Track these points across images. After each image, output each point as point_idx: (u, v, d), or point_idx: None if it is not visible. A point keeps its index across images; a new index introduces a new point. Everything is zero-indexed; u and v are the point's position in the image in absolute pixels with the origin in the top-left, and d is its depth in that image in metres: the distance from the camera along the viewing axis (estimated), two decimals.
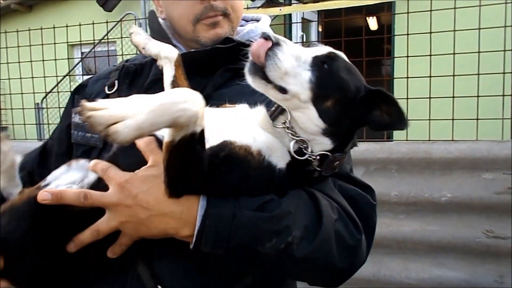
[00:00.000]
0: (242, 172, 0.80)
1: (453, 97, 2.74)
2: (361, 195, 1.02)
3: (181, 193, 0.80)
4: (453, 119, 2.73)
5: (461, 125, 2.74)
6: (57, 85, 5.95)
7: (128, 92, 1.07)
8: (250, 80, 0.83)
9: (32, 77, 4.55)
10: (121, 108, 0.66)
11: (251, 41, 1.03)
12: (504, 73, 2.68)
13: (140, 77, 1.13)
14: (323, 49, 0.87)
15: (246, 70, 0.83)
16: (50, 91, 5.90)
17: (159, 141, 0.84)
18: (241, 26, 1.22)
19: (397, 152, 2.79)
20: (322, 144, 0.85)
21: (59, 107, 5.42)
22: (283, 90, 0.81)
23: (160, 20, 1.18)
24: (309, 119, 0.83)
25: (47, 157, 1.21)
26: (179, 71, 1.01)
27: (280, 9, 3.28)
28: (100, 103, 0.67)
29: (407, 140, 2.84)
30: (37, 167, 1.19)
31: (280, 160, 0.84)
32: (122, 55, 4.97)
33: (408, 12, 2.74)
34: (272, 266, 0.84)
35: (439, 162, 2.71)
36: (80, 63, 7.08)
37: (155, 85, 1.06)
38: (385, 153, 2.81)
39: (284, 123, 0.85)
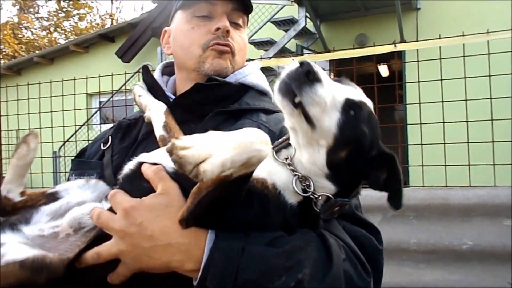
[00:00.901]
0: (261, 206, 0.77)
1: (468, 142, 2.73)
2: (366, 236, 0.96)
3: (194, 225, 0.76)
4: (469, 165, 2.70)
5: (478, 170, 2.70)
6: (75, 133, 6.09)
7: (120, 145, 1.11)
8: (279, 99, 0.77)
9: (52, 127, 4.69)
10: (205, 146, 0.65)
11: (241, 83, 1.12)
12: None
13: (133, 130, 1.15)
14: (355, 92, 0.83)
15: (277, 88, 0.78)
16: (68, 140, 6.03)
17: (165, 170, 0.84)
18: None
19: (414, 198, 2.76)
20: (325, 188, 0.81)
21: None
22: (310, 121, 0.76)
23: (155, 74, 1.22)
24: (314, 161, 0.80)
25: None
26: (169, 118, 1.05)
27: (293, 59, 3.38)
28: (186, 140, 0.65)
29: (423, 186, 2.80)
30: None
31: (291, 196, 0.80)
32: (135, 104, 5.09)
33: (418, 61, 2.80)
34: None
35: (458, 208, 2.68)
36: (98, 112, 7.28)
37: (148, 137, 1.08)
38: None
39: (286, 158, 0.82)
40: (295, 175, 0.81)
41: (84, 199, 0.92)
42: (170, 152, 0.64)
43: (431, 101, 2.98)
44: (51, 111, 4.74)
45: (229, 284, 0.73)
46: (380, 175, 0.83)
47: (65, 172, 5.49)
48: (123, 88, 6.01)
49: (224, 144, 0.65)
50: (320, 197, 0.80)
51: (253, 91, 1.15)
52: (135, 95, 1.14)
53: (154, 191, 0.82)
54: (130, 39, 7.83)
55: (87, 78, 4.57)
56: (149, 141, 1.07)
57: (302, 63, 0.74)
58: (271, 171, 0.80)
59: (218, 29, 1.09)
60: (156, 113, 1.06)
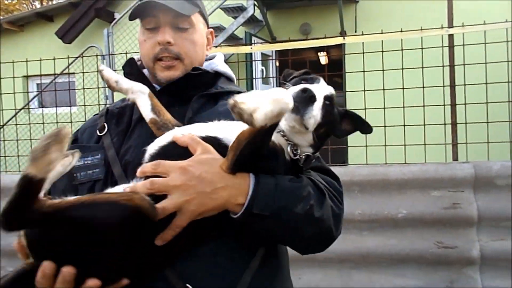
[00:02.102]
0: (275, 157, 1.02)
1: (404, 125, 3.11)
2: (332, 181, 1.20)
3: (240, 170, 0.97)
4: (405, 145, 3.08)
5: (412, 150, 3.10)
6: (13, 116, 5.83)
7: (116, 130, 1.21)
8: (292, 116, 1.00)
9: None
10: (253, 101, 0.84)
11: (215, 71, 1.29)
12: (444, 105, 3.11)
13: (124, 116, 1.24)
14: (324, 85, 1.10)
15: (291, 108, 0.95)
16: (6, 124, 5.77)
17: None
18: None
19: (359, 175, 3.01)
20: (307, 151, 1.08)
21: (16, 139, 5.29)
22: (305, 126, 1.01)
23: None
24: (304, 139, 1.06)
25: None
26: (155, 100, 1.15)
27: (251, 48, 3.59)
28: (241, 98, 0.84)
29: (367, 164, 3.16)
30: None
31: (287, 155, 1.06)
32: (83, 88, 4.99)
33: (363, 52, 3.12)
34: (299, 225, 1.02)
35: (395, 183, 2.96)
36: (33, 97, 6.96)
37: (140, 121, 1.18)
38: (348, 176, 3.00)
39: (279, 132, 1.05)
40: (289, 143, 1.06)
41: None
42: (233, 106, 0.84)
43: (371, 89, 3.33)
44: None
45: (268, 208, 0.96)
46: (345, 127, 1.13)
47: (5, 156, 5.27)
48: (66, 70, 5.84)
49: (265, 99, 0.85)
50: (303, 157, 1.08)
51: (223, 78, 1.35)
52: (110, 80, 1.15)
53: (192, 155, 0.99)
54: (72, 19, 7.51)
55: (27, 61, 4.40)
56: (143, 124, 1.17)
57: (305, 90, 0.98)
58: (275, 136, 1.03)
59: (159, 43, 1.19)
60: (141, 96, 1.15)
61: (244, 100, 0.85)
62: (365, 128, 1.12)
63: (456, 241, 2.89)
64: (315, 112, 1.00)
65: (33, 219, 0.83)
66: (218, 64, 1.35)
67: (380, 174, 3.00)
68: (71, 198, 0.88)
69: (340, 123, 1.12)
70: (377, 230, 2.99)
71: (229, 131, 1.03)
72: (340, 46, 6.34)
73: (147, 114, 1.13)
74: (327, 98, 1.06)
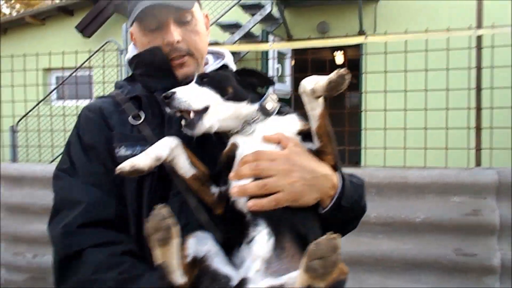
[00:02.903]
0: None
1: (425, 128, 3.04)
2: None
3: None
4: (425, 148, 3.02)
5: (433, 153, 3.03)
6: (35, 107, 5.93)
7: (155, 122, 1.11)
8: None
9: (13, 102, 4.58)
10: (315, 80, 0.95)
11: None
12: (469, 108, 3.02)
13: (155, 108, 1.14)
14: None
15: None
16: (26, 114, 5.86)
17: None
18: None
19: (376, 177, 2.99)
20: (272, 107, 1.07)
21: (38, 130, 5.37)
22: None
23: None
24: (236, 108, 1.02)
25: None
26: (189, 153, 1.01)
27: (270, 45, 3.55)
28: (308, 80, 0.95)
29: (385, 166, 3.10)
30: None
31: None
32: (103, 82, 5.07)
33: (386, 53, 3.06)
34: (359, 216, 1.17)
35: (414, 186, 2.92)
36: (55, 88, 7.05)
37: (172, 118, 1.09)
38: (365, 178, 2.97)
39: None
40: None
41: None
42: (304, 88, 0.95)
43: (390, 90, 3.27)
44: (12, 86, 4.62)
45: (349, 201, 1.03)
46: (251, 80, 1.10)
47: (26, 147, 5.36)
48: (86, 64, 5.91)
49: (322, 77, 0.93)
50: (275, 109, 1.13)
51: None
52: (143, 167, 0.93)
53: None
54: (91, 13, 7.59)
55: (50, 54, 4.46)
56: (175, 121, 1.08)
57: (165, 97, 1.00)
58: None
59: (167, 43, 1.13)
60: (179, 152, 0.99)
61: (311, 80, 0.95)
62: (265, 79, 1.11)
63: (476, 249, 2.82)
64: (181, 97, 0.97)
65: None
66: (229, 61, 1.31)
67: (398, 177, 2.97)
68: None
69: (243, 79, 1.08)
70: (393, 234, 2.96)
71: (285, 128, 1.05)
72: (358, 46, 6.26)
73: (187, 170, 1.00)
74: (199, 76, 1.05)
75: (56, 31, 8.33)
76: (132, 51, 1.24)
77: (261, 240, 0.89)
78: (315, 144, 1.01)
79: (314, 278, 0.72)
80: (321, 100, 0.98)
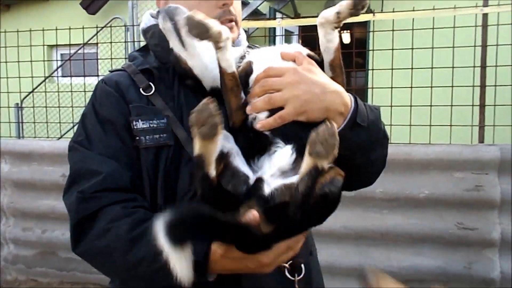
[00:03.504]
0: None
1: (431, 105, 3.08)
2: None
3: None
4: (430, 125, 3.06)
5: (437, 130, 3.08)
6: (42, 83, 5.97)
7: (170, 93, 1.08)
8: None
9: (19, 77, 4.60)
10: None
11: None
12: (473, 86, 3.06)
13: (166, 80, 1.10)
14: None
15: None
16: (32, 91, 5.90)
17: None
18: None
19: None
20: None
21: (46, 106, 5.41)
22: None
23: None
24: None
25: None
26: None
27: (279, 22, 3.57)
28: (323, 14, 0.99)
29: (390, 143, 3.14)
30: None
31: None
32: (111, 58, 5.08)
33: (393, 30, 3.07)
34: (380, 141, 1.06)
35: (418, 163, 2.96)
36: (62, 64, 7.07)
37: (185, 89, 1.07)
38: None
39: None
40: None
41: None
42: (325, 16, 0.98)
43: (396, 67, 3.29)
44: (18, 61, 4.63)
45: (366, 120, 0.97)
46: None
47: (32, 123, 5.41)
48: (92, 41, 5.92)
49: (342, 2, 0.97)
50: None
51: None
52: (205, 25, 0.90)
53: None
54: None
55: (56, 29, 4.47)
56: (190, 92, 1.07)
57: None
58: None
59: (224, 4, 1.09)
60: (227, 46, 0.96)
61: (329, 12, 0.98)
62: None
63: (477, 223, 2.90)
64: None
65: None
66: (244, 41, 1.27)
67: (403, 154, 3.00)
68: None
69: None
70: (398, 209, 3.02)
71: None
72: (364, 25, 6.22)
73: (229, 65, 0.97)
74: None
75: (61, 7, 8.28)
76: (148, 21, 1.19)
77: (284, 154, 0.92)
78: (328, 74, 1.01)
79: (317, 159, 0.83)
80: (337, 32, 0.98)
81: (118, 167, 1.01)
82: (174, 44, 1.00)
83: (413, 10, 3.06)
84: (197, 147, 0.85)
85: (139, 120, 1.03)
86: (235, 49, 1.03)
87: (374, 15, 3.05)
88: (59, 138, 5.19)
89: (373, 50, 3.55)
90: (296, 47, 1.04)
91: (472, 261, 2.92)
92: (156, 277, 0.91)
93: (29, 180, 3.76)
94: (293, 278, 1.00)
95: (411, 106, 3.06)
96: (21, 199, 3.82)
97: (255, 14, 6.50)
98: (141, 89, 1.08)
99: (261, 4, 6.42)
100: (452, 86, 3.06)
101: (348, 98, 0.97)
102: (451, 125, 3.07)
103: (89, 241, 0.96)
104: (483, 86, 3.01)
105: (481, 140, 3.06)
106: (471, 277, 2.92)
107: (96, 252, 0.97)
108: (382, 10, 6.36)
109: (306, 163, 0.83)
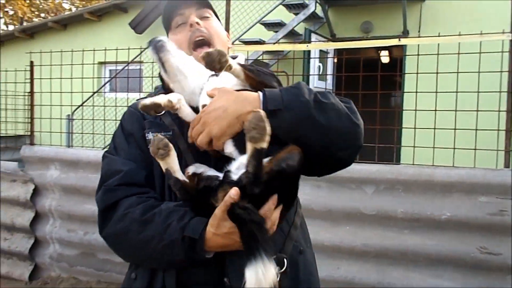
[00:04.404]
0: None
1: (455, 129, 3.11)
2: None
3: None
4: (454, 148, 3.08)
5: (461, 153, 3.09)
6: (91, 97, 6.43)
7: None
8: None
9: (71, 92, 5.01)
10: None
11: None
12: (499, 111, 3.06)
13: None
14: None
15: None
16: (82, 105, 6.37)
17: None
18: None
19: (404, 174, 3.08)
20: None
21: (93, 119, 5.82)
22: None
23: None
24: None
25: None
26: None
27: (307, 46, 3.72)
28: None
29: (413, 164, 3.20)
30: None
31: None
32: (152, 77, 5.42)
33: (418, 54, 3.15)
34: (313, 113, 1.07)
35: (441, 184, 3.00)
36: (108, 81, 7.58)
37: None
38: (393, 175, 3.10)
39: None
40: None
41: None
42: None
43: (427, 91, 3.36)
44: (71, 78, 5.03)
45: (280, 102, 1.06)
46: None
47: (81, 133, 5.83)
48: (137, 59, 6.33)
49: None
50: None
51: None
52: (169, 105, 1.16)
53: None
54: (144, 11, 8.05)
55: (105, 50, 4.82)
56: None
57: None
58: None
59: (191, 25, 1.31)
60: (184, 105, 1.20)
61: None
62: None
63: (501, 248, 2.87)
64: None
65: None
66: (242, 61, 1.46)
67: (426, 175, 3.04)
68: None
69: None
70: (418, 230, 3.05)
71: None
72: (401, 46, 6.27)
73: (190, 117, 1.21)
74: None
75: (111, 27, 8.89)
76: None
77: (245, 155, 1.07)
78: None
79: (255, 142, 0.97)
80: (234, 71, 1.09)
81: (136, 167, 1.25)
82: (161, 71, 1.23)
83: (439, 36, 3.13)
84: (162, 165, 1.11)
85: (150, 132, 1.27)
86: (198, 81, 1.23)
87: (399, 40, 3.15)
88: (103, 148, 5.58)
89: (403, 73, 3.61)
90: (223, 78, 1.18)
91: (492, 286, 2.89)
92: (164, 253, 1.11)
93: (75, 186, 4.08)
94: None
95: (434, 128, 3.10)
96: (67, 202, 4.13)
97: (291, 35, 6.71)
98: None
99: (297, 25, 6.62)
100: (477, 110, 3.08)
101: (256, 95, 1.10)
102: (475, 149, 3.09)
103: (110, 225, 1.20)
104: (509, 111, 3.01)
105: (507, 165, 3.05)
106: None
107: (116, 234, 1.19)
108: (419, 31, 6.42)
109: (248, 148, 1.00)
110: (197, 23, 1.32)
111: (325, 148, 1.09)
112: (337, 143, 1.10)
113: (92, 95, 6.36)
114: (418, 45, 3.25)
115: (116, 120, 5.12)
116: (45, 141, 5.59)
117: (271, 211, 1.05)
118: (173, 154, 1.12)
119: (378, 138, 3.39)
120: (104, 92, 7.44)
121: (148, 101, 1.13)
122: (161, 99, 1.14)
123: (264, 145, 0.98)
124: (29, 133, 4.86)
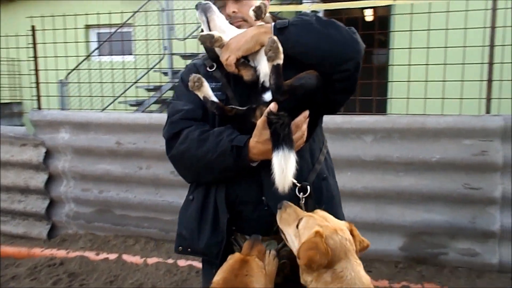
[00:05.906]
0: None
1: (444, 81, 3.44)
2: None
3: None
4: (443, 98, 3.43)
5: (449, 103, 3.44)
6: (84, 60, 6.44)
7: (224, 70, 1.49)
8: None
9: (66, 56, 5.04)
10: None
11: None
12: (482, 63, 3.40)
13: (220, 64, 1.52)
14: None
15: None
16: (75, 68, 6.40)
17: None
18: None
19: (399, 123, 3.38)
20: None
21: (90, 82, 5.87)
22: None
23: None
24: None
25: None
26: None
27: (310, 6, 3.92)
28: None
29: (407, 114, 3.52)
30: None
31: None
32: (146, 39, 5.48)
33: (411, 13, 3.42)
34: (315, 26, 1.31)
35: (431, 131, 3.28)
36: (98, 45, 7.53)
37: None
38: (390, 124, 3.39)
39: None
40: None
41: None
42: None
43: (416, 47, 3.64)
44: (65, 42, 5.03)
45: (286, 23, 1.34)
46: None
47: (76, 96, 5.88)
48: (129, 22, 6.34)
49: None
50: None
51: None
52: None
53: None
54: None
55: (98, 14, 4.79)
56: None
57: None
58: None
59: (233, 12, 1.50)
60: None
61: None
62: None
63: (481, 184, 3.25)
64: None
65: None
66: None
67: (418, 123, 3.35)
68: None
69: None
70: (412, 172, 3.39)
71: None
72: (387, 6, 6.45)
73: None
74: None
75: None
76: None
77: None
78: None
79: (272, 60, 1.24)
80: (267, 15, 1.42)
81: (194, 107, 1.50)
82: (205, 29, 1.50)
83: None
84: (199, 94, 1.41)
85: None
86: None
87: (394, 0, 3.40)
88: (103, 110, 5.68)
89: (389, 31, 3.87)
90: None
91: (476, 217, 3.29)
92: (217, 162, 1.37)
93: (87, 147, 4.18)
94: (299, 196, 1.37)
95: (426, 81, 3.42)
96: (80, 163, 4.25)
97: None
98: (208, 67, 1.57)
99: None
100: (464, 64, 3.40)
101: (269, 25, 1.37)
102: (461, 98, 3.42)
103: (176, 147, 1.49)
104: (491, 63, 3.35)
105: (488, 111, 3.41)
106: (475, 230, 3.30)
107: (179, 153, 1.46)
108: None
109: (268, 66, 1.26)
110: (234, 11, 1.54)
111: (330, 57, 1.30)
112: (340, 52, 1.30)
113: (86, 57, 6.39)
114: (412, 4, 3.51)
115: (113, 83, 5.23)
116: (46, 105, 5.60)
117: (301, 122, 1.32)
118: (206, 85, 1.40)
119: (373, 92, 3.69)
120: (99, 55, 7.42)
121: (205, 33, 1.43)
122: (215, 33, 1.42)
123: (280, 61, 1.26)
124: (16, 100, 4.85)
